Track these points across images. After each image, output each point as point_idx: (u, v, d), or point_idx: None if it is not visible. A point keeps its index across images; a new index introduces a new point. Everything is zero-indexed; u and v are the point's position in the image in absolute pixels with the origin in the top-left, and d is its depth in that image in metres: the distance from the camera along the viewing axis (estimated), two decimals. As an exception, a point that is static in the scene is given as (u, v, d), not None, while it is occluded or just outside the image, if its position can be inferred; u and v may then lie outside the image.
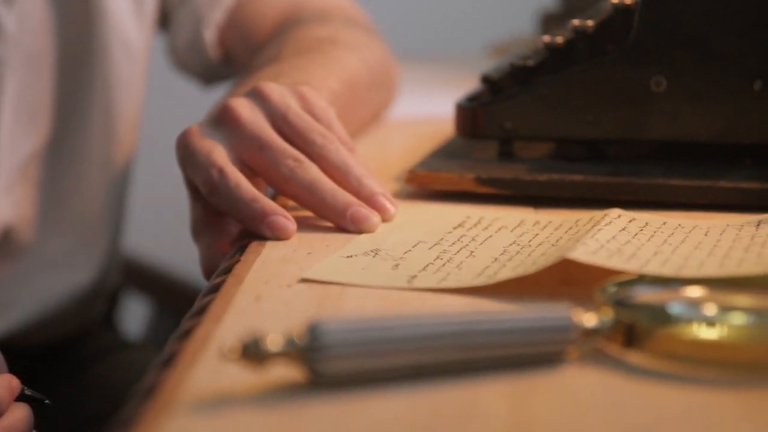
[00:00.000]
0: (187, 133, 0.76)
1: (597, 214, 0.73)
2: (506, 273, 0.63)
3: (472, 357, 0.51)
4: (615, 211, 0.73)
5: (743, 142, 0.81)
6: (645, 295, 0.56)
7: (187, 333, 0.58)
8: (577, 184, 0.79)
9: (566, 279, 0.62)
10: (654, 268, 0.60)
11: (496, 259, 0.66)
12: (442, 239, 0.71)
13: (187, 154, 0.75)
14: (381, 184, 0.76)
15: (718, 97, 0.81)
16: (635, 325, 0.52)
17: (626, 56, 0.81)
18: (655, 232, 0.70)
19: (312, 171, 0.74)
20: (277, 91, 0.78)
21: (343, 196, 0.73)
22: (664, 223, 0.72)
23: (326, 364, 0.49)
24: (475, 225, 0.74)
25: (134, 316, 1.49)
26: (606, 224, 0.69)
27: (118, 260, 1.16)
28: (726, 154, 0.82)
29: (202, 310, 0.60)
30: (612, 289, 0.56)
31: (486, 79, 0.87)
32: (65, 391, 1.12)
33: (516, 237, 0.71)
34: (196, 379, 0.51)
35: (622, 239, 0.66)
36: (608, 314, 0.53)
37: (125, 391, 1.13)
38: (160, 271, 1.47)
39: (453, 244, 0.70)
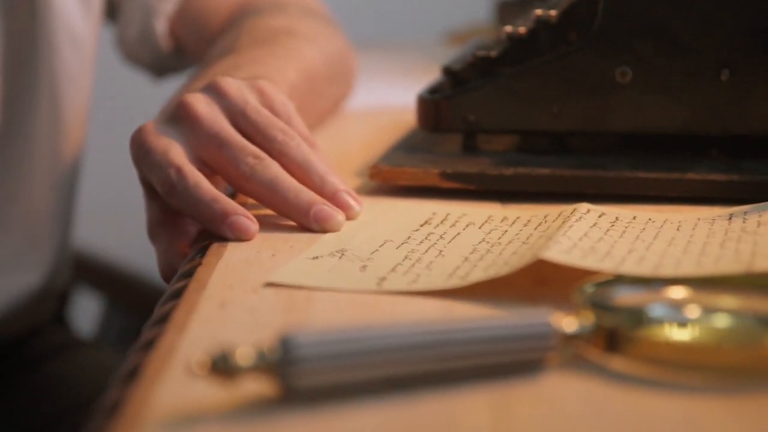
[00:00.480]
0: (141, 131, 0.73)
1: (566, 209, 0.72)
2: (478, 274, 0.61)
3: (450, 367, 0.49)
4: (584, 206, 0.71)
5: (710, 132, 0.80)
6: (625, 296, 0.54)
7: (150, 344, 0.55)
8: (544, 177, 0.77)
9: (540, 279, 0.61)
10: (630, 268, 0.59)
11: (466, 259, 0.64)
12: (409, 237, 0.69)
13: (142, 152, 0.72)
14: (344, 181, 0.74)
15: (684, 87, 0.79)
16: (616, 330, 0.51)
17: (590, 46, 0.80)
18: (626, 227, 0.68)
19: (273, 169, 0.72)
20: (234, 85, 0.75)
21: (306, 194, 0.71)
22: (634, 218, 0.71)
23: (299, 378, 0.47)
24: (442, 222, 0.72)
25: (85, 312, 1.46)
26: (576, 220, 0.68)
27: (68, 258, 1.13)
28: (692, 146, 0.81)
29: (164, 318, 0.58)
30: (590, 290, 0.54)
31: (447, 71, 0.85)
32: (17, 390, 1.09)
33: (485, 234, 0.69)
34: (163, 396, 0.48)
35: (595, 236, 0.65)
36: (588, 318, 0.51)
37: (78, 390, 1.11)
38: (111, 266, 1.44)
39: (421, 242, 0.68)
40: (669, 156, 0.80)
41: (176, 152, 0.72)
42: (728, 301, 0.53)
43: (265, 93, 0.76)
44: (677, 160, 0.79)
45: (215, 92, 0.75)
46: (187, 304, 0.59)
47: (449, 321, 0.49)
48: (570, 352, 0.51)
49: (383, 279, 0.62)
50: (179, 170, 0.71)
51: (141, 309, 1.38)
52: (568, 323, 0.51)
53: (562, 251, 0.60)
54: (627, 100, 0.80)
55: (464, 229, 0.71)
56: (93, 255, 1.44)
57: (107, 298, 1.41)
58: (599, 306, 0.52)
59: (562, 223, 0.68)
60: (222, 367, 0.46)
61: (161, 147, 0.72)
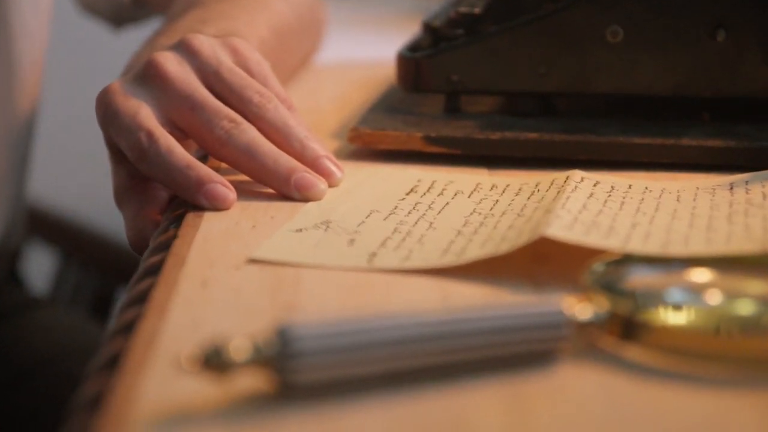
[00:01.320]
0: (108, 92, 0.69)
1: (557, 176, 0.69)
2: (474, 251, 0.58)
3: (457, 359, 0.46)
4: (577, 174, 0.68)
5: (704, 95, 0.77)
6: (639, 278, 0.51)
7: (129, 327, 0.52)
8: (532, 142, 0.74)
9: (539, 256, 0.57)
10: (637, 246, 0.55)
11: (459, 232, 0.61)
12: (396, 208, 0.65)
13: (109, 114, 0.68)
14: (325, 147, 0.70)
15: (678, 48, 0.76)
16: (632, 317, 0.47)
17: (580, 4, 0.76)
18: (624, 197, 0.65)
19: (250, 133, 0.68)
20: (207, 44, 0.71)
21: (285, 160, 0.68)
22: (630, 187, 0.68)
23: (298, 374, 0.43)
24: (429, 190, 0.69)
25: (39, 268, 1.41)
26: (572, 190, 0.65)
27: (22, 215, 1.08)
28: (682, 109, 0.78)
29: (142, 298, 0.54)
30: (600, 270, 0.51)
31: (428, 27, 0.81)
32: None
33: (475, 204, 0.66)
34: (148, 390, 0.45)
35: (594, 208, 0.62)
36: (602, 304, 0.48)
37: (35, 352, 1.07)
38: (65, 220, 1.40)
39: (409, 213, 0.65)
40: (659, 120, 0.77)
41: (146, 114, 0.68)
42: (752, 285, 0.50)
43: (239, 51, 0.72)
44: (668, 125, 0.76)
45: (186, 51, 0.71)
46: (166, 282, 0.55)
47: (456, 310, 0.46)
48: (583, 341, 0.48)
49: (373, 255, 0.58)
50: (150, 134, 0.67)
51: (96, 265, 1.34)
52: (582, 310, 0.48)
53: (563, 227, 0.57)
54: (617, 61, 0.76)
55: (453, 199, 0.67)
56: (46, 209, 1.39)
57: (61, 254, 1.37)
58: (612, 290, 0.49)
59: (557, 193, 0.65)
60: (215, 362, 0.43)
61: (130, 109, 0.68)
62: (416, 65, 0.79)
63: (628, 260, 0.53)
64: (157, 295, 0.54)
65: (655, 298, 0.48)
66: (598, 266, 0.52)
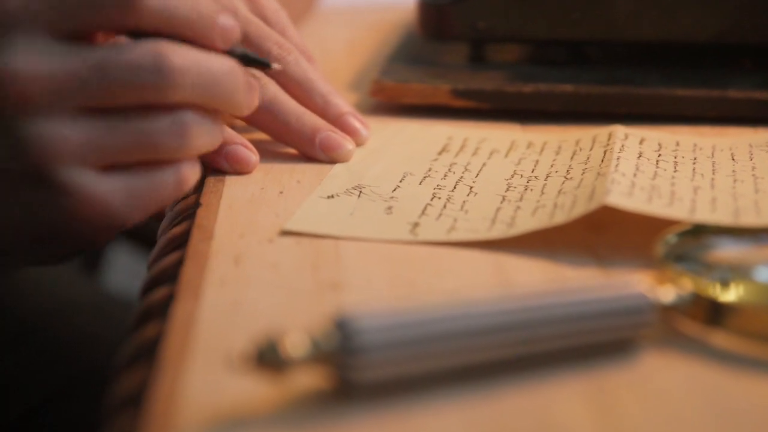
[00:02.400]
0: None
1: (599, 133, 0.64)
2: (526, 221, 0.53)
3: (533, 351, 0.41)
4: (620, 130, 0.64)
5: (748, 42, 0.72)
6: (720, 252, 0.47)
7: (159, 310, 0.47)
8: (568, 96, 0.69)
9: (594, 224, 0.53)
10: (705, 215, 0.51)
11: (503, 198, 0.57)
12: (430, 170, 0.61)
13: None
14: (347, 103, 0.66)
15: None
16: (718, 299, 0.43)
17: (616, -55, 0.72)
18: (675, 157, 0.61)
19: (270, 89, 0.63)
20: (222, -8, 0.66)
21: (310, 118, 0.63)
22: (678, 144, 0.63)
23: (361, 371, 0.39)
24: (462, 149, 0.65)
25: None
26: (619, 150, 0.60)
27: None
28: (721, 56, 0.74)
29: (170, 276, 0.50)
30: (673, 242, 0.47)
31: (449, -30, 0.76)
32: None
33: (514, 165, 0.62)
34: (194, 388, 0.40)
35: (648, 170, 0.58)
36: (685, 285, 0.44)
37: (26, 312, 1.03)
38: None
39: (445, 176, 0.60)
40: (698, 68, 0.72)
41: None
42: None
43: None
44: (709, 74, 0.72)
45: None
46: (195, 259, 0.51)
47: (528, 296, 0.42)
48: (665, 326, 0.44)
49: (416, 225, 0.54)
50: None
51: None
52: (664, 293, 0.43)
53: (622, 193, 0.53)
54: (657, 6, 0.72)
55: (489, 158, 0.63)
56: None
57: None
58: (692, 267, 0.45)
59: (604, 153, 0.61)
60: (270, 359, 0.38)
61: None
62: (439, 12, 0.74)
63: (702, 231, 0.49)
64: (188, 273, 0.49)
65: (743, 275, 0.44)
66: (671, 238, 0.48)
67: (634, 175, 0.56)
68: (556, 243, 0.52)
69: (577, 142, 0.64)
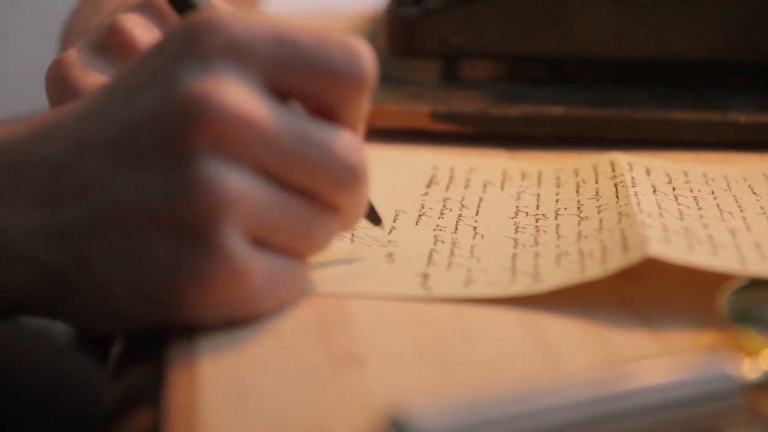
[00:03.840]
0: (62, 64, 0.56)
1: (598, 161, 0.58)
2: (554, 274, 0.46)
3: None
4: (621, 159, 0.58)
5: (740, 59, 0.67)
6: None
7: (143, 390, 0.40)
8: (559, 119, 0.63)
9: (625, 273, 0.46)
10: (759, 266, 0.45)
11: (516, 242, 0.50)
12: (423, 207, 0.54)
13: (67, 93, 0.55)
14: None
15: (717, 5, 0.66)
16: (808, 375, 0.37)
17: (602, -46, 0.66)
18: (691, 190, 0.55)
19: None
20: (179, 4, 0.58)
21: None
22: (686, 174, 0.58)
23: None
24: (451, 181, 0.58)
25: None
26: (631, 183, 0.54)
27: None
28: (712, 75, 0.68)
29: (152, 349, 0.42)
30: (736, 302, 0.41)
31: (415, -22, 0.70)
32: None
33: (514, 200, 0.55)
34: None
35: (671, 209, 0.51)
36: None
37: None
38: None
39: (442, 214, 0.53)
40: (690, 88, 0.67)
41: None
42: None
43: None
44: (703, 94, 0.66)
45: (155, 12, 0.58)
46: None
47: (598, 383, 0.35)
48: (751, 409, 0.37)
49: (426, 277, 0.47)
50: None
51: None
52: (748, 369, 0.37)
53: (660, 240, 0.47)
54: (647, 21, 0.66)
55: (484, 192, 0.56)
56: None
57: None
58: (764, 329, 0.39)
59: (615, 187, 0.54)
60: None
61: (93, 86, 0.55)
62: (408, 25, 0.67)
63: (761, 284, 0.43)
64: (175, 344, 0.42)
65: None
66: (732, 295, 0.41)
67: (660, 215, 0.50)
68: (587, 295, 0.45)
69: (576, 172, 0.58)
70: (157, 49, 0.43)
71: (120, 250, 0.42)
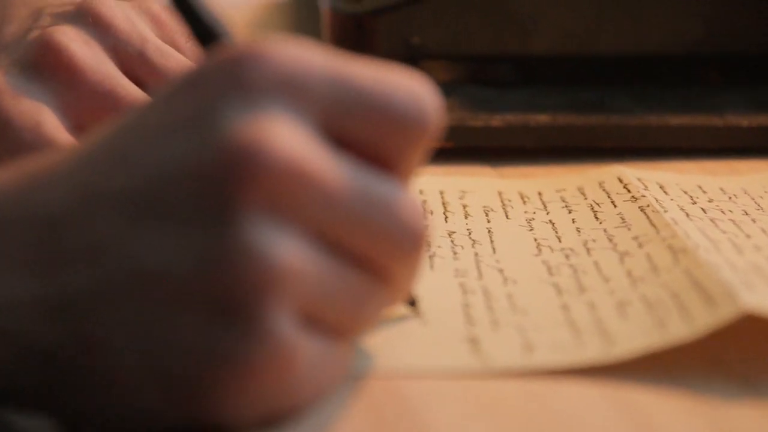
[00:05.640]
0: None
1: (602, 179, 0.52)
2: (628, 336, 0.38)
3: None
4: (627, 173, 0.51)
5: (730, 53, 0.60)
6: None
7: None
8: (545, 129, 0.56)
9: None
10: None
11: (557, 288, 0.42)
12: (429, 245, 0.46)
13: (-3, 123, 0.45)
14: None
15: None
16: None
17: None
18: (722, 211, 0.48)
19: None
20: (119, 11, 0.49)
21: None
22: (701, 188, 0.51)
23: None
24: (446, 209, 0.50)
25: None
26: (663, 208, 0.47)
27: None
28: (688, 70, 0.62)
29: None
30: None
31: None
32: None
33: (528, 230, 0.48)
34: None
35: (720, 238, 0.44)
36: None
37: None
38: None
39: (455, 254, 0.45)
40: (669, 86, 0.60)
41: (52, 124, 0.45)
42: None
43: (161, 20, 0.50)
44: (685, 92, 0.59)
45: (94, 23, 0.48)
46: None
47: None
48: None
49: (475, 343, 0.39)
50: (65, 154, 0.44)
51: None
52: None
53: (744, 286, 0.39)
54: (624, 15, 0.59)
55: (489, 222, 0.49)
56: None
57: None
58: None
59: (642, 212, 0.47)
60: None
61: (27, 116, 0.45)
62: (360, 24, 0.59)
63: None
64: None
65: None
66: None
67: (717, 248, 0.43)
68: (670, 353, 0.38)
69: (582, 192, 0.51)
70: (190, 84, 0.33)
71: (134, 329, 0.32)
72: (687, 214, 0.47)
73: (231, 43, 0.36)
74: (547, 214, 0.49)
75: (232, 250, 0.31)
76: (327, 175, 0.32)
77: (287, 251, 0.32)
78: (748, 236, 0.45)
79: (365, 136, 0.34)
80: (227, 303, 0.31)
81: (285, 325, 0.32)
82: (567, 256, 0.45)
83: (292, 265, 0.32)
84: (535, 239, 0.47)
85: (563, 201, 0.50)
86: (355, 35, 0.59)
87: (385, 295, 0.35)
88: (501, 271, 0.44)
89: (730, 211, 0.48)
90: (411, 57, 0.59)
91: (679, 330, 0.38)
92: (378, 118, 0.34)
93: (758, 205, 0.49)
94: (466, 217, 0.49)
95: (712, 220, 0.47)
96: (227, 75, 0.32)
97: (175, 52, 0.48)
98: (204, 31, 0.37)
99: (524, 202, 0.50)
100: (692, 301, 0.39)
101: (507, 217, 0.49)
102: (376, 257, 0.34)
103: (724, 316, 0.38)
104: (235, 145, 0.32)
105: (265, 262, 0.31)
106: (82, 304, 0.32)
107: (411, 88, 0.34)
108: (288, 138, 0.32)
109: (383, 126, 0.34)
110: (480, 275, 0.44)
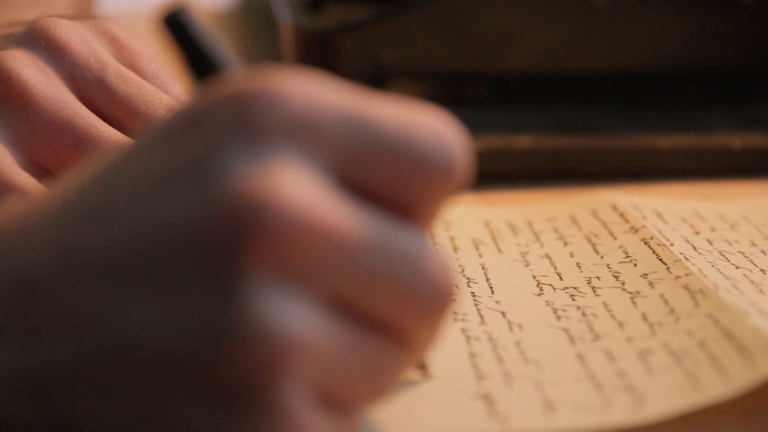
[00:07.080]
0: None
1: (595, 207, 0.48)
2: (658, 392, 0.34)
3: None
4: (621, 200, 0.47)
5: (712, 69, 0.57)
6: None
7: None
8: (529, 152, 0.52)
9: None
10: None
11: (569, 335, 0.38)
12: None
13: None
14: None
15: (680, 10, 0.55)
16: None
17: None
18: (729, 242, 0.45)
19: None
20: (76, 35, 0.44)
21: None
22: (700, 216, 0.47)
23: None
24: (433, 242, 0.45)
25: None
26: (669, 241, 0.43)
27: None
28: (667, 87, 0.58)
29: None
30: None
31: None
32: None
33: (524, 266, 0.44)
34: None
35: (735, 275, 0.41)
36: None
37: None
38: None
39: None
40: (647, 104, 0.57)
41: (5, 162, 0.40)
42: None
43: (121, 41, 0.45)
44: (666, 110, 0.56)
45: (47, 47, 0.43)
46: None
47: None
48: None
49: (489, 401, 0.35)
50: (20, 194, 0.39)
51: None
52: None
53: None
54: (604, 30, 0.55)
55: (481, 258, 0.44)
56: None
57: None
58: None
59: (645, 244, 0.43)
60: None
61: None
62: (326, 43, 0.54)
63: None
64: None
65: None
66: None
67: (736, 287, 0.39)
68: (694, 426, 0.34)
69: (575, 222, 0.47)
70: (186, 125, 0.28)
71: (119, 412, 0.27)
72: (694, 247, 0.43)
73: (234, 77, 0.31)
74: (542, 246, 0.45)
75: (237, 325, 0.27)
76: (344, 230, 0.28)
77: (301, 323, 0.27)
78: (763, 271, 0.42)
79: (386, 183, 0.29)
80: (232, 384, 0.27)
81: (297, 406, 0.27)
82: (572, 297, 0.41)
83: (307, 338, 0.27)
84: (534, 276, 0.43)
85: (556, 231, 0.46)
86: (320, 52, 0.54)
87: (403, 361, 0.31)
88: (503, 314, 0.40)
89: (736, 242, 0.45)
90: (379, 76, 0.54)
91: (716, 387, 0.34)
92: (400, 164, 0.29)
93: (764, 234, 0.46)
94: (455, 252, 0.45)
95: (721, 254, 0.43)
96: (231, 115, 0.28)
97: (139, 78, 0.44)
98: (201, 60, 0.33)
99: (515, 234, 0.46)
100: (724, 353, 0.35)
101: (499, 250, 0.45)
102: (397, 319, 0.30)
103: (765, 372, 0.34)
104: (238, 198, 0.27)
105: (276, 338, 0.27)
106: (61, 381, 0.28)
107: (436, 130, 0.30)
108: (300, 189, 0.27)
109: (406, 172, 0.29)
110: (482, 320, 0.39)
